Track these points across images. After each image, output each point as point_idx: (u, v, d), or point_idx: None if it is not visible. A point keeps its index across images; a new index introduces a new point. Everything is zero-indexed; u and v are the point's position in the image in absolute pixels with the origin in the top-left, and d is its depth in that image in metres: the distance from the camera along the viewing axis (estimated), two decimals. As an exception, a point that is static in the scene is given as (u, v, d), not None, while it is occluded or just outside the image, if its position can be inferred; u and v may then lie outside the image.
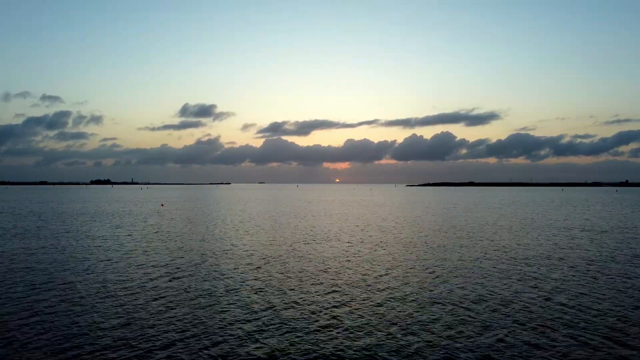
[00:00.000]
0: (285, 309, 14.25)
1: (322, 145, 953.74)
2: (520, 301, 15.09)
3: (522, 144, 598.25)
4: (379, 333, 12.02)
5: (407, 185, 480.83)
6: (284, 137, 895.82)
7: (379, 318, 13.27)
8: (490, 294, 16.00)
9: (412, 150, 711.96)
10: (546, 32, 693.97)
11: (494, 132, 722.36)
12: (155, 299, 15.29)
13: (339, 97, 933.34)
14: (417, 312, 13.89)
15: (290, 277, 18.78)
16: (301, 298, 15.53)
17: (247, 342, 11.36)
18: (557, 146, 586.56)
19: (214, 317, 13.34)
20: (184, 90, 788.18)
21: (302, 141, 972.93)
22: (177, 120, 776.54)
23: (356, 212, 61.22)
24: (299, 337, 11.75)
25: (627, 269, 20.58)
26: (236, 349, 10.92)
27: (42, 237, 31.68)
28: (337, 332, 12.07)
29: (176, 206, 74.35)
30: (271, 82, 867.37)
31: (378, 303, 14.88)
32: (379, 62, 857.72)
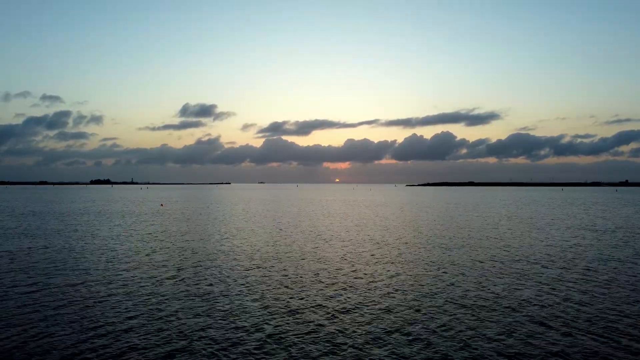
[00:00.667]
0: (292, 308, 14.22)
1: (322, 145, 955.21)
2: (534, 301, 15.07)
3: (522, 144, 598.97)
4: (390, 333, 11.99)
5: (407, 185, 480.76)
6: (284, 137, 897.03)
7: (390, 318, 13.24)
8: (502, 294, 15.97)
9: (412, 150, 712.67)
10: (546, 32, 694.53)
11: (494, 132, 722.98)
12: (160, 299, 15.27)
13: (339, 97, 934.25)
14: (426, 312, 13.87)
15: (295, 277, 18.75)
16: (308, 298, 15.50)
17: (252, 343, 11.34)
18: (558, 146, 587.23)
19: (219, 318, 13.31)
20: (184, 90, 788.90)
21: (302, 141, 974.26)
22: (177, 120, 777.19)
23: (358, 211, 61.19)
24: (305, 337, 11.73)
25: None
26: (241, 349, 10.90)
27: (45, 237, 31.65)
28: (344, 332, 12.05)
29: (177, 206, 74.31)
30: (271, 82, 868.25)
31: (387, 303, 14.85)
32: (379, 62, 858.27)
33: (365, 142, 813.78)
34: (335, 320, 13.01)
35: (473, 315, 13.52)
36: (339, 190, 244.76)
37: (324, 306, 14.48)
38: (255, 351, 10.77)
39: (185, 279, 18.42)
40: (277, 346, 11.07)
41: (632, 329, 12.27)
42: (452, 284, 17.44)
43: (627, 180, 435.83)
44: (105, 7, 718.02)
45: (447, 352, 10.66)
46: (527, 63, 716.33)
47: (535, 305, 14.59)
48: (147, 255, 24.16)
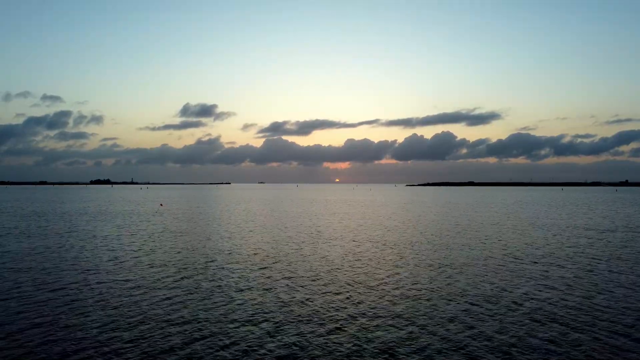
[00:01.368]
0: (297, 308, 14.17)
1: (323, 145, 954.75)
2: (536, 300, 15.02)
3: (522, 144, 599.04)
4: (394, 332, 11.94)
5: (407, 185, 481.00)
6: (285, 137, 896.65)
7: (394, 317, 13.19)
8: (505, 293, 15.92)
9: (412, 150, 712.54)
10: (547, 32, 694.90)
11: (494, 132, 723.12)
12: (164, 299, 15.21)
13: (339, 97, 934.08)
14: (431, 310, 13.82)
15: (299, 277, 18.70)
16: (313, 297, 15.45)
17: (259, 343, 11.28)
18: (558, 146, 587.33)
19: (224, 318, 13.26)
20: (184, 90, 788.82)
21: (302, 141, 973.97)
22: (177, 120, 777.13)
23: (359, 211, 61.15)
24: (312, 337, 11.68)
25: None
26: (247, 349, 10.84)
27: (47, 237, 31.60)
28: (350, 332, 12.00)
29: (178, 206, 74.27)
30: (272, 82, 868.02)
31: (391, 302, 14.80)
32: (379, 62, 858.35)
33: (366, 142, 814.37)
34: (342, 319, 12.96)
35: (481, 314, 13.46)
36: (339, 190, 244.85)
37: (336, 305, 14.43)
38: (260, 350, 10.73)
39: (194, 278, 18.36)
40: (290, 346, 11.03)
41: (635, 326, 12.24)
42: (465, 283, 17.38)
43: (627, 180, 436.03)
44: (105, 7, 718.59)
45: (463, 351, 10.61)
46: (528, 63, 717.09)
47: (540, 303, 14.54)
48: (153, 254, 24.10)
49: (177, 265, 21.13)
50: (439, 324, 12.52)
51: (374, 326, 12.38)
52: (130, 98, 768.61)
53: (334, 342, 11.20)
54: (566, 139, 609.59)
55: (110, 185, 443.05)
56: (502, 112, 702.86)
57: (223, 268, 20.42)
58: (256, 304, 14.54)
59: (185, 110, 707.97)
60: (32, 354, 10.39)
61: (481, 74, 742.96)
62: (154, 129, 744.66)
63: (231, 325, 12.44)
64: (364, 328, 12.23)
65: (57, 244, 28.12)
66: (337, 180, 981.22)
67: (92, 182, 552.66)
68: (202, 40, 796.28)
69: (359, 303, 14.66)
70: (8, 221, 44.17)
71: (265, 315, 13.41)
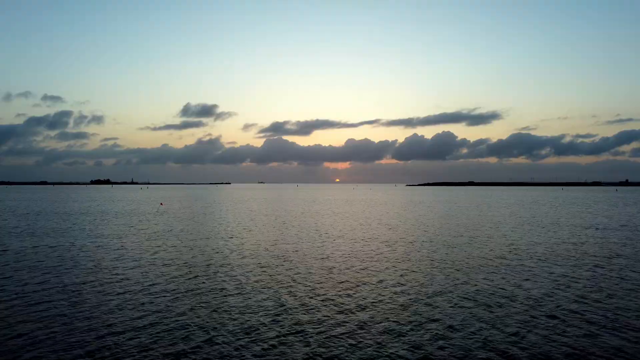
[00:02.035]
0: (304, 307, 14.18)
1: (323, 145, 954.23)
2: (542, 297, 15.02)
3: (523, 144, 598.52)
4: (403, 331, 11.95)
5: (407, 185, 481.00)
6: (285, 137, 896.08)
7: (402, 316, 13.20)
8: (513, 291, 15.93)
9: (412, 150, 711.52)
10: (548, 32, 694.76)
11: (495, 132, 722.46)
12: (170, 298, 15.23)
13: (340, 97, 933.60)
14: (440, 309, 13.83)
15: (307, 275, 18.70)
16: (319, 296, 15.45)
17: (266, 342, 11.29)
18: (558, 146, 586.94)
19: (232, 317, 13.26)
20: (185, 90, 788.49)
21: (303, 141, 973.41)
22: (178, 120, 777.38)
23: (361, 210, 61.15)
24: (319, 336, 11.69)
25: None
26: (254, 349, 10.85)
27: (51, 236, 31.60)
28: (359, 330, 12.01)
29: (179, 206, 74.27)
30: (273, 82, 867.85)
31: (401, 300, 14.81)
32: (381, 62, 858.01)
33: (366, 142, 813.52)
34: (349, 317, 12.96)
35: (487, 311, 13.47)
36: (340, 190, 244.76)
37: (344, 304, 14.43)
38: (267, 348, 10.73)
39: (200, 277, 18.37)
40: (299, 345, 11.03)
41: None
42: (473, 281, 17.39)
43: (627, 180, 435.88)
44: (106, 7, 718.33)
45: (462, 348, 10.62)
46: (529, 63, 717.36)
47: (546, 301, 14.55)
48: (154, 253, 24.11)
49: (182, 263, 21.14)
50: (449, 322, 12.53)
51: (383, 323, 12.39)
52: (131, 98, 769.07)
53: (344, 340, 11.21)
54: (567, 139, 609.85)
55: (110, 185, 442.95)
56: (503, 111, 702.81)
57: (228, 266, 20.43)
58: (264, 303, 14.53)
59: (186, 110, 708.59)
60: (38, 353, 10.39)
61: (482, 73, 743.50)
62: (154, 129, 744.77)
63: (239, 324, 12.45)
64: (372, 325, 12.24)
65: (60, 243, 28.13)
66: (337, 180, 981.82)
67: (92, 182, 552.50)
68: (203, 40, 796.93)
69: (367, 301, 14.66)
70: (11, 221, 44.17)
71: (275, 313, 13.41)
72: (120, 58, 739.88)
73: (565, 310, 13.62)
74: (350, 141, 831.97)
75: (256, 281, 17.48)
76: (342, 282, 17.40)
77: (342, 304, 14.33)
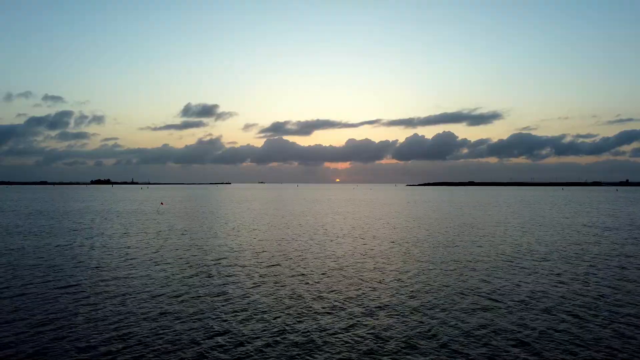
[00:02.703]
0: (312, 304, 14.17)
1: (324, 145, 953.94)
2: (548, 295, 15.01)
3: (523, 144, 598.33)
4: (410, 326, 11.93)
5: (408, 185, 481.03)
6: (286, 137, 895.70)
7: (409, 312, 13.18)
8: (517, 289, 15.92)
9: (413, 150, 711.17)
10: (549, 32, 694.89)
11: (496, 132, 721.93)
12: (177, 297, 15.21)
13: (341, 97, 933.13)
14: (446, 306, 13.81)
15: (312, 273, 18.68)
16: (327, 293, 15.44)
17: (274, 338, 11.26)
18: (559, 146, 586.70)
19: (238, 314, 13.24)
20: (186, 90, 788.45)
21: (303, 141, 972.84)
22: (179, 120, 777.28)
23: (363, 210, 61.13)
24: (328, 334, 11.66)
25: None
26: (262, 348, 10.82)
27: (55, 235, 31.59)
28: (368, 327, 11.98)
29: (180, 205, 74.27)
30: (273, 82, 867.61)
31: (405, 297, 14.79)
32: (381, 62, 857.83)
33: (367, 142, 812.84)
34: (356, 316, 12.94)
35: (494, 308, 13.45)
36: (340, 190, 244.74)
37: (344, 300, 14.41)
38: (277, 345, 10.71)
39: (207, 276, 18.35)
40: (299, 340, 11.01)
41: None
42: (469, 279, 17.38)
43: (627, 180, 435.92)
44: (106, 7, 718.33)
45: (482, 346, 10.60)
46: (530, 63, 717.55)
47: (552, 298, 14.53)
48: (158, 253, 24.09)
49: (187, 263, 21.12)
50: (454, 319, 12.51)
51: (391, 321, 12.37)
52: (132, 98, 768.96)
53: (351, 337, 11.19)
54: (567, 139, 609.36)
55: (110, 185, 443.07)
56: (503, 111, 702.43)
57: (233, 265, 20.41)
58: (270, 301, 14.52)
59: (187, 110, 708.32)
60: (42, 351, 10.37)
61: (483, 74, 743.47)
62: (155, 129, 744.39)
63: (246, 322, 12.42)
64: (381, 323, 12.22)
65: (64, 242, 28.11)
66: (337, 180, 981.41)
67: (92, 182, 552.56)
68: (203, 40, 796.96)
69: (373, 299, 14.65)
70: (14, 220, 44.14)
71: (280, 310, 13.39)
72: (121, 58, 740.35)
73: (581, 308, 13.60)
74: (350, 141, 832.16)
75: (264, 279, 17.46)
76: (351, 280, 17.38)
77: (354, 302, 14.31)
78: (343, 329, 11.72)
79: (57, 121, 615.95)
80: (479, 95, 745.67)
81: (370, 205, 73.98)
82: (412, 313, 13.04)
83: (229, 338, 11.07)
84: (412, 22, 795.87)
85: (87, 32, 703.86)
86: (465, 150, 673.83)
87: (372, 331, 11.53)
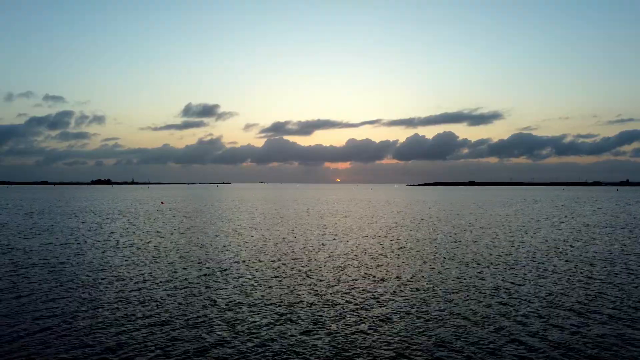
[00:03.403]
0: (321, 303, 14.17)
1: (324, 145, 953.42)
2: (554, 293, 15.02)
3: (523, 144, 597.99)
4: (416, 324, 11.94)
5: (408, 185, 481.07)
6: (286, 137, 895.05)
7: (421, 312, 13.20)
8: (524, 287, 15.93)
9: (413, 150, 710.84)
10: (549, 32, 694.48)
11: (496, 132, 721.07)
12: (183, 296, 15.22)
13: (341, 97, 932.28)
14: (457, 305, 13.82)
15: (318, 272, 18.68)
16: (335, 292, 15.44)
17: (285, 338, 11.27)
18: (559, 146, 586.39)
19: (246, 315, 13.25)
20: (186, 90, 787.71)
21: (304, 141, 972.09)
22: (179, 120, 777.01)
23: (365, 209, 61.14)
24: (339, 331, 11.67)
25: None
26: (270, 344, 10.83)
27: (58, 234, 31.59)
28: (378, 326, 11.99)
29: (181, 205, 74.27)
30: (274, 82, 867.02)
31: (411, 296, 14.80)
32: (382, 62, 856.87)
33: (367, 142, 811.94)
34: (367, 313, 12.95)
35: (506, 307, 13.46)
36: (340, 189, 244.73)
37: (350, 299, 14.41)
38: (286, 343, 10.72)
39: (213, 275, 18.35)
40: (319, 343, 11.02)
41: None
42: (477, 277, 17.39)
43: (627, 180, 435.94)
44: (106, 7, 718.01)
45: (481, 341, 10.61)
46: (530, 63, 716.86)
47: (558, 296, 14.55)
48: (162, 251, 24.09)
49: (191, 261, 21.12)
50: (461, 318, 12.52)
51: (402, 319, 12.38)
52: (133, 98, 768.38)
53: (357, 336, 11.21)
54: (568, 139, 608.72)
55: (111, 185, 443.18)
56: (504, 111, 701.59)
57: (239, 263, 20.41)
58: (281, 299, 14.52)
59: (188, 110, 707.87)
60: (46, 349, 10.38)
61: (483, 73, 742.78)
62: (155, 129, 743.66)
63: (254, 320, 12.43)
64: (391, 321, 12.23)
65: (67, 241, 28.12)
66: (338, 180, 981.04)
67: (92, 182, 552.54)
68: (204, 41, 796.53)
69: (383, 297, 14.64)
70: (16, 220, 44.15)
71: (289, 309, 13.39)
72: (121, 58, 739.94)
73: (584, 305, 13.61)
74: (351, 141, 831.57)
75: (269, 277, 17.46)
76: (357, 278, 17.38)
77: (359, 299, 14.31)
78: (353, 327, 11.72)
79: (58, 121, 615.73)
80: (480, 95, 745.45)
81: (372, 205, 73.99)
82: (421, 311, 13.03)
83: (237, 337, 11.08)
84: (412, 22, 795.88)
85: (88, 32, 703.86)
86: (465, 150, 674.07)
87: (381, 330, 11.54)
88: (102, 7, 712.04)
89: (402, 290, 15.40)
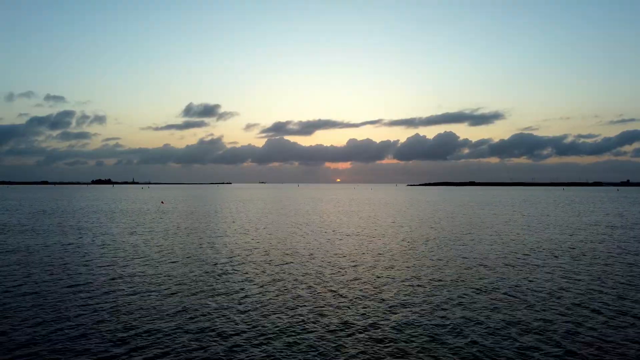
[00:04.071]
0: (323, 302, 14.17)
1: (325, 145, 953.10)
2: (560, 292, 15.02)
3: (524, 144, 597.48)
4: (429, 327, 11.94)
5: (408, 185, 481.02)
6: (287, 137, 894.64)
7: (430, 310, 13.20)
8: (530, 286, 15.93)
9: (414, 150, 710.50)
10: (550, 32, 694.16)
11: (497, 132, 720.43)
12: (189, 295, 15.23)
13: (342, 97, 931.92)
14: (464, 305, 13.82)
15: (323, 271, 18.69)
16: (342, 291, 15.44)
17: (287, 341, 11.27)
18: (560, 146, 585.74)
19: (249, 314, 13.25)
20: (187, 90, 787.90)
21: (304, 141, 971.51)
22: (180, 120, 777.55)
23: (368, 209, 61.14)
24: (347, 330, 11.67)
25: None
26: (274, 345, 10.83)
27: (60, 234, 31.61)
28: (384, 326, 11.99)
29: (182, 204, 74.30)
30: (275, 82, 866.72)
31: (415, 294, 14.80)
32: (383, 62, 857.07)
33: (368, 142, 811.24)
34: (372, 312, 12.95)
35: (504, 303, 13.46)
36: (341, 189, 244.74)
37: (356, 299, 14.42)
38: (288, 344, 10.72)
39: (215, 274, 18.35)
40: (316, 339, 11.02)
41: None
42: (482, 275, 17.39)
43: (628, 180, 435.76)
44: (106, 7, 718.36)
45: (486, 340, 10.61)
46: (531, 63, 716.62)
47: (566, 295, 14.55)
48: (165, 250, 24.10)
49: (197, 260, 21.13)
50: (470, 314, 12.52)
51: (410, 317, 12.38)
52: (133, 98, 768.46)
53: (372, 334, 11.20)
54: (569, 139, 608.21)
55: (111, 185, 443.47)
56: (505, 112, 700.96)
57: (244, 263, 20.42)
58: (287, 298, 14.52)
59: (188, 110, 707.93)
60: (48, 349, 10.39)
61: (484, 74, 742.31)
62: (156, 129, 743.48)
63: (262, 319, 12.43)
64: (400, 319, 12.23)
65: (73, 240, 28.13)
66: (338, 180, 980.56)
67: (93, 182, 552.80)
68: (205, 40, 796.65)
69: (390, 295, 14.65)
70: (18, 219, 44.18)
71: (297, 308, 13.40)
72: (122, 58, 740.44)
73: (584, 305, 13.61)
74: (351, 141, 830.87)
75: (278, 276, 17.47)
76: (366, 277, 17.39)
77: (371, 298, 14.32)
78: (363, 325, 11.73)
79: (59, 121, 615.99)
80: (481, 95, 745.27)
81: (373, 205, 73.99)
82: (430, 309, 13.04)
83: (244, 336, 11.08)
84: (412, 22, 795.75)
85: (89, 32, 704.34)
86: (466, 151, 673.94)
87: (391, 327, 11.54)
88: (103, 7, 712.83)
89: (410, 289, 15.39)
